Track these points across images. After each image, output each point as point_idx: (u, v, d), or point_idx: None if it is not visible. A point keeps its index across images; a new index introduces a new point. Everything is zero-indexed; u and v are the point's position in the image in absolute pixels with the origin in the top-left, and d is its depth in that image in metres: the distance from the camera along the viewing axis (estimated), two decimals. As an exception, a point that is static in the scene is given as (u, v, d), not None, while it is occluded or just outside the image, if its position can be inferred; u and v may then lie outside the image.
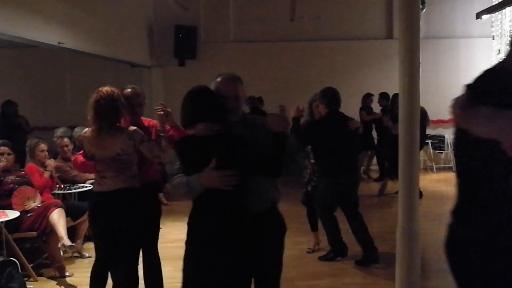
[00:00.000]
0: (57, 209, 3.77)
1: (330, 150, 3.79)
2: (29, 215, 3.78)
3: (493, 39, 8.68)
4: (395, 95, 6.37)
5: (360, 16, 8.86)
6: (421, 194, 5.42)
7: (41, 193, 4.03)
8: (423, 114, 5.84)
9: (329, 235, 4.01)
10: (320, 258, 4.04)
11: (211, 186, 1.95)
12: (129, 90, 2.85)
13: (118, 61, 7.44)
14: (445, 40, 8.79)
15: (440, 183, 7.68)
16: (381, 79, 8.30)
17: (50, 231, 3.74)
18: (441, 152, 8.89)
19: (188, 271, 2.05)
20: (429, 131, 7.81)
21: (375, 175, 8.06)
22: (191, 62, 8.55)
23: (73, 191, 4.55)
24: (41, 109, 8.35)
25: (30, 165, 4.21)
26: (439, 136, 8.90)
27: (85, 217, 3.78)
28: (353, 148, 4.11)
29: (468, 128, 1.34)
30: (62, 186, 4.52)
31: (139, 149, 2.65)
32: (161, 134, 2.74)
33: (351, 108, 6.95)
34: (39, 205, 3.88)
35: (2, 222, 3.51)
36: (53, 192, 4.32)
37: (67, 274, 3.76)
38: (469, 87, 1.44)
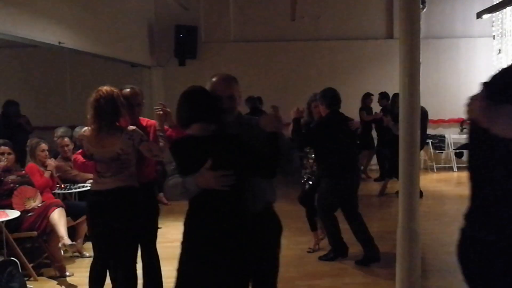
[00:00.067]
0: (57, 209, 3.78)
1: (331, 150, 3.79)
2: (29, 214, 3.79)
3: (494, 38, 8.67)
4: (395, 95, 6.36)
5: (361, 16, 8.86)
6: (421, 194, 5.41)
7: (41, 193, 4.03)
8: (424, 114, 5.83)
9: (329, 235, 4.01)
10: (321, 258, 4.04)
11: (207, 186, 1.95)
12: (128, 90, 2.86)
13: (119, 61, 7.45)
14: (446, 40, 8.78)
15: (441, 183, 7.68)
16: (381, 79, 8.29)
17: (50, 231, 3.74)
18: (442, 152, 8.88)
19: (184, 272, 2.04)
20: (430, 130, 7.81)
21: (374, 175, 8.06)
22: (192, 62, 8.56)
23: (74, 190, 4.55)
24: (41, 109, 8.36)
25: (30, 164, 4.21)
26: (440, 136, 8.90)
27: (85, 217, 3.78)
28: (353, 148, 4.13)
29: (489, 127, 1.30)
30: (62, 186, 4.53)
31: (138, 148, 2.66)
32: (160, 134, 2.75)
33: (351, 108, 6.95)
34: (39, 205, 3.88)
35: (2, 221, 3.51)
36: (53, 191, 4.32)
37: (67, 273, 3.76)
38: (487, 85, 1.40)
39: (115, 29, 6.69)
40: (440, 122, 8.86)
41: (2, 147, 4.00)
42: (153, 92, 8.31)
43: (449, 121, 8.95)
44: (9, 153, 3.98)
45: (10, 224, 3.61)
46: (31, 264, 3.72)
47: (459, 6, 8.81)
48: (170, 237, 4.26)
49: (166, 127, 2.81)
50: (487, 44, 8.75)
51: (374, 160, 8.27)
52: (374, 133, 7.92)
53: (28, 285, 3.45)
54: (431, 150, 8.66)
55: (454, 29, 8.86)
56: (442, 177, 8.06)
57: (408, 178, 2.48)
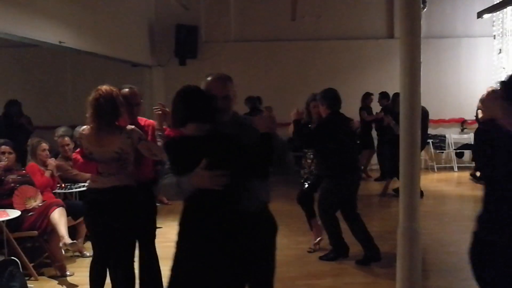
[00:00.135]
0: (58, 208, 3.78)
1: (333, 150, 3.79)
2: (30, 214, 3.79)
3: (494, 38, 8.66)
4: (396, 95, 6.36)
5: (361, 15, 8.85)
6: (422, 194, 5.42)
7: (42, 192, 4.04)
8: (424, 114, 5.82)
9: (330, 235, 4.01)
10: (321, 258, 4.04)
11: (201, 186, 1.94)
12: (127, 89, 2.88)
13: (119, 61, 7.44)
14: (446, 40, 8.77)
15: (441, 183, 7.67)
16: (381, 78, 8.29)
17: (51, 230, 3.75)
18: (442, 152, 8.87)
19: (178, 272, 2.03)
20: (430, 130, 7.80)
21: (375, 174, 8.05)
22: (192, 61, 8.56)
23: (74, 190, 4.55)
24: (42, 108, 8.36)
25: (31, 164, 4.21)
26: (440, 135, 8.89)
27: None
28: (354, 148, 4.13)
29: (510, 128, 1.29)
30: (63, 186, 4.53)
31: (136, 148, 2.66)
32: (159, 134, 2.76)
33: (351, 107, 6.95)
34: (40, 204, 3.88)
35: (3, 221, 3.51)
36: (54, 191, 4.32)
37: (68, 273, 3.76)
38: (506, 85, 1.39)
39: (116, 28, 6.69)
40: (440, 122, 8.86)
41: (3, 147, 4.00)
42: (153, 91, 8.31)
43: (449, 121, 8.94)
44: (9, 153, 3.98)
45: (11, 223, 3.61)
46: (32, 264, 3.72)
47: (459, 6, 8.80)
48: (170, 237, 4.23)
49: (165, 127, 2.82)
50: (487, 43, 8.74)
51: (375, 160, 8.27)
52: (374, 133, 7.93)
53: (28, 285, 3.45)
54: (432, 150, 8.66)
55: (455, 29, 8.85)
56: (442, 177, 8.05)
57: (409, 178, 2.48)
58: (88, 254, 4.13)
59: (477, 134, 8.99)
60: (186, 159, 2.01)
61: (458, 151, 8.63)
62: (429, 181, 7.68)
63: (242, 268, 2.05)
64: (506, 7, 7.58)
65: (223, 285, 2.00)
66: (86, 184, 4.55)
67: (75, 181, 4.67)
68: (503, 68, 8.48)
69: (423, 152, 7.80)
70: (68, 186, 4.56)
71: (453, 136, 8.87)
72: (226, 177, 1.92)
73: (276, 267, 2.30)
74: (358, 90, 8.02)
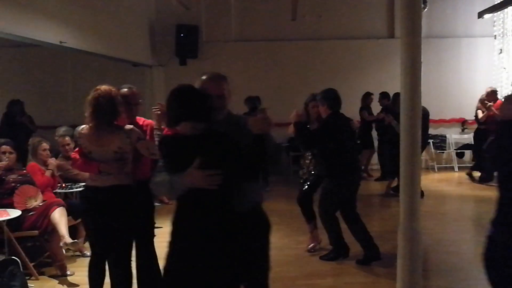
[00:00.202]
0: (58, 208, 3.78)
1: (334, 151, 3.78)
2: (30, 214, 3.79)
3: (495, 38, 8.65)
4: (396, 94, 6.35)
5: (362, 15, 8.85)
6: (422, 194, 5.42)
7: (42, 192, 4.04)
8: (425, 114, 5.82)
9: (330, 235, 4.00)
10: (322, 258, 4.04)
11: (194, 185, 1.93)
12: (126, 89, 2.90)
13: (120, 60, 7.45)
14: (447, 40, 8.77)
15: (442, 183, 7.67)
16: (382, 78, 8.28)
17: (51, 230, 3.75)
18: (443, 152, 8.87)
19: (171, 271, 2.03)
20: (431, 130, 7.79)
21: (375, 174, 8.05)
22: (193, 61, 8.56)
23: (75, 190, 4.55)
24: (42, 108, 8.36)
25: (31, 164, 4.21)
26: (441, 135, 8.88)
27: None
28: (354, 148, 4.13)
29: None
30: (63, 185, 4.53)
31: (135, 147, 2.67)
32: (158, 133, 2.77)
33: (352, 107, 6.95)
34: (40, 204, 3.88)
35: (4, 220, 3.52)
36: (54, 191, 4.33)
37: (68, 272, 3.76)
38: None
39: (116, 28, 6.70)
40: (441, 122, 8.85)
41: (4, 147, 4.01)
42: (154, 91, 8.31)
43: (450, 121, 8.94)
44: (10, 152, 3.99)
45: (12, 223, 3.61)
46: (32, 263, 3.72)
47: (460, 6, 8.79)
48: (171, 237, 4.26)
49: (163, 126, 2.83)
50: (488, 44, 8.73)
51: (375, 159, 8.26)
52: (374, 133, 7.92)
53: (29, 284, 3.46)
54: (432, 150, 8.65)
55: (456, 29, 8.84)
56: (443, 177, 8.05)
57: (410, 177, 2.48)
58: (88, 253, 4.11)
59: (476, 134, 8.98)
60: (180, 158, 2.00)
61: (459, 151, 8.62)
62: (430, 181, 7.68)
63: (236, 268, 2.04)
64: (506, 7, 7.57)
65: (217, 285, 1.99)
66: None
67: (75, 180, 4.67)
68: (504, 68, 8.47)
69: (423, 152, 7.79)
70: (69, 186, 4.56)
71: (454, 136, 8.86)
72: (219, 177, 1.92)
73: (270, 265, 2.28)
74: (359, 90, 8.02)
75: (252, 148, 2.00)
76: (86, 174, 4.53)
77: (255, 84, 8.42)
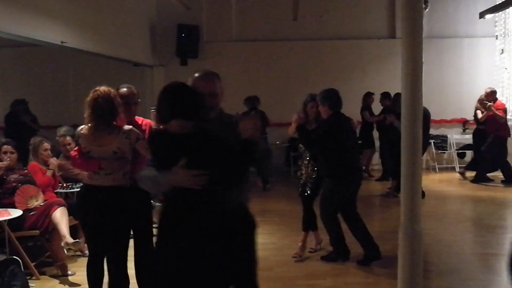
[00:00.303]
0: (59, 208, 3.79)
1: (334, 150, 3.78)
2: (31, 213, 3.80)
3: (497, 38, 8.64)
4: (397, 95, 6.35)
5: (363, 15, 8.85)
6: (423, 194, 5.41)
7: (43, 192, 4.05)
8: (426, 114, 5.81)
9: (332, 238, 3.99)
10: (323, 258, 4.04)
11: (178, 185, 1.92)
12: (125, 89, 2.91)
13: (121, 60, 7.46)
14: (448, 40, 8.76)
15: (443, 183, 7.66)
16: (383, 78, 8.28)
17: (52, 230, 3.75)
18: (444, 152, 8.86)
19: (159, 272, 2.02)
20: (432, 131, 7.80)
21: (376, 174, 8.05)
22: (193, 61, 8.56)
23: (76, 189, 4.55)
24: (44, 108, 8.38)
25: (32, 163, 4.22)
26: (442, 136, 8.88)
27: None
28: (355, 148, 4.13)
29: None
30: (64, 185, 4.54)
31: (134, 147, 2.68)
32: None
33: (353, 108, 6.95)
34: (41, 204, 3.89)
35: (5, 220, 3.52)
36: (55, 190, 4.33)
37: (69, 272, 3.77)
38: None
39: (117, 28, 6.70)
40: (442, 122, 8.84)
41: (5, 146, 4.02)
42: (154, 91, 8.29)
43: (451, 121, 8.93)
44: (11, 152, 4.00)
45: (13, 223, 3.62)
46: (33, 263, 3.73)
47: (461, 6, 8.78)
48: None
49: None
50: (489, 44, 8.72)
51: (376, 159, 8.26)
52: (375, 133, 7.92)
53: (30, 284, 3.46)
54: (433, 150, 8.64)
55: (457, 29, 8.83)
56: (444, 178, 8.04)
57: (411, 178, 2.48)
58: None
59: (475, 134, 8.97)
60: (167, 155, 2.00)
61: (460, 151, 8.61)
62: (431, 181, 7.67)
63: (223, 266, 2.03)
64: (508, 8, 7.56)
65: (204, 284, 1.98)
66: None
67: (76, 180, 4.68)
68: (505, 68, 8.46)
69: (424, 152, 7.79)
70: (70, 186, 4.56)
71: (455, 136, 8.85)
72: (204, 177, 1.90)
73: (258, 264, 2.26)
74: (359, 90, 8.02)
75: (239, 152, 1.98)
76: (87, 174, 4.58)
77: (255, 84, 8.42)
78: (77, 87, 8.51)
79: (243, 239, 2.18)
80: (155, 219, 3.09)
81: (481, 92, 7.58)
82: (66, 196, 4.56)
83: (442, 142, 8.84)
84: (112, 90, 2.72)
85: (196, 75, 2.15)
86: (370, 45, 8.78)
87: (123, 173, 2.71)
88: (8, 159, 3.96)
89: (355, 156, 4.16)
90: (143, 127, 2.93)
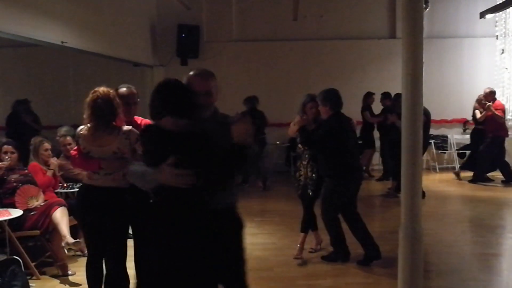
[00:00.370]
0: (60, 208, 3.79)
1: (335, 150, 3.77)
2: (32, 213, 3.80)
3: (497, 38, 8.64)
4: (397, 95, 6.35)
5: (363, 15, 8.84)
6: (424, 194, 5.41)
7: (44, 192, 4.05)
8: (427, 115, 5.82)
9: (332, 238, 3.99)
10: (323, 258, 4.04)
11: (166, 182, 1.91)
12: (125, 89, 2.92)
13: (121, 60, 7.46)
14: (449, 40, 8.76)
15: (443, 183, 7.66)
16: (384, 78, 8.28)
17: (53, 230, 3.76)
18: (444, 152, 8.86)
19: (146, 272, 2.02)
20: (432, 131, 7.79)
21: (377, 174, 8.05)
22: (194, 61, 8.56)
23: (76, 190, 4.55)
24: (44, 108, 8.37)
25: (33, 163, 4.22)
26: (442, 136, 8.87)
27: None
28: (355, 148, 4.13)
29: None
30: (65, 185, 4.54)
31: (134, 148, 2.69)
32: None
33: (353, 108, 6.95)
34: (42, 204, 3.89)
35: (5, 220, 3.52)
36: (56, 190, 4.33)
37: (69, 272, 3.77)
38: None
39: (118, 28, 6.70)
40: (442, 122, 8.84)
41: (5, 146, 4.02)
42: (155, 91, 8.31)
43: (451, 121, 8.93)
44: (12, 152, 4.00)
45: (13, 223, 3.62)
46: (34, 263, 3.73)
47: (462, 6, 8.78)
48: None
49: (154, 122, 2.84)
50: (490, 44, 8.71)
51: (376, 159, 8.26)
52: (375, 133, 7.92)
53: (30, 284, 3.46)
54: (434, 150, 8.64)
55: (457, 29, 8.83)
56: (444, 178, 8.03)
57: (411, 178, 2.48)
58: (89, 253, 4.14)
59: (474, 134, 8.97)
60: (157, 151, 1.99)
61: (460, 151, 8.61)
62: (431, 181, 7.67)
63: (208, 266, 2.01)
64: (508, 7, 7.55)
65: (191, 283, 1.97)
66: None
67: (77, 180, 4.68)
68: (506, 68, 8.46)
69: (425, 153, 7.79)
70: (70, 186, 4.56)
71: (455, 136, 8.85)
72: (191, 177, 1.89)
73: (246, 263, 2.24)
74: (360, 90, 8.02)
75: (228, 156, 1.97)
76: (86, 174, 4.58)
77: (256, 84, 8.42)
78: (77, 87, 8.51)
79: (230, 238, 2.16)
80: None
81: (481, 92, 7.58)
82: (66, 196, 4.56)
83: (442, 142, 8.83)
84: (111, 91, 2.73)
85: (191, 73, 2.14)
86: (371, 45, 8.77)
87: (123, 173, 2.71)
88: (9, 159, 3.96)
89: (356, 156, 4.16)
90: (143, 127, 2.94)
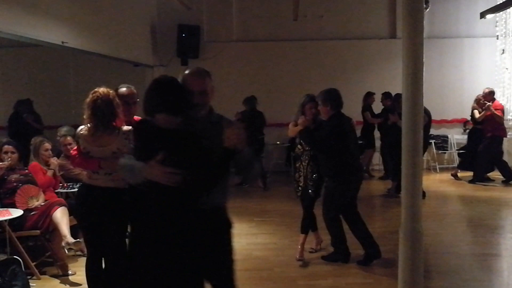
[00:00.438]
0: (60, 208, 3.79)
1: (335, 150, 3.77)
2: (32, 213, 3.80)
3: (497, 38, 8.64)
4: (398, 95, 6.35)
5: (363, 15, 8.84)
6: (424, 194, 5.41)
7: (44, 192, 4.05)
8: (427, 114, 5.82)
9: (333, 238, 3.99)
10: (324, 258, 4.04)
11: (152, 179, 1.91)
12: (125, 89, 2.93)
13: (121, 61, 7.46)
14: (449, 40, 8.75)
15: (443, 183, 7.65)
16: (384, 78, 8.28)
17: (53, 230, 3.76)
18: (444, 152, 8.85)
19: (135, 267, 2.01)
20: (433, 131, 7.79)
21: (377, 174, 8.04)
22: (194, 61, 8.56)
23: (76, 189, 4.56)
24: (44, 108, 8.37)
25: (33, 163, 4.22)
26: (443, 136, 8.87)
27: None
28: (356, 148, 4.13)
29: None
30: (65, 185, 4.54)
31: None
32: None
33: (354, 108, 6.95)
34: (42, 204, 3.89)
35: (5, 220, 3.52)
36: (56, 190, 4.33)
37: (70, 272, 3.77)
38: None
39: (118, 28, 6.71)
40: (443, 122, 8.84)
41: (6, 146, 4.02)
42: (155, 91, 8.31)
43: (452, 121, 8.92)
44: (12, 152, 4.00)
45: (13, 222, 3.62)
46: (34, 263, 3.73)
47: (462, 6, 8.77)
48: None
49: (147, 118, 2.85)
50: (490, 44, 8.71)
51: (377, 159, 8.26)
52: (376, 133, 7.92)
53: (31, 284, 3.46)
54: (434, 150, 8.64)
55: (458, 29, 8.83)
56: (444, 178, 8.03)
57: (411, 178, 2.48)
58: (90, 253, 4.14)
59: (472, 134, 8.98)
60: (147, 147, 1.99)
61: (461, 151, 8.61)
62: (431, 181, 7.67)
63: (193, 264, 2.00)
64: (509, 8, 7.55)
65: (178, 282, 1.96)
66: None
67: (77, 180, 4.68)
68: (506, 68, 8.46)
69: (425, 153, 7.79)
70: (70, 186, 4.57)
71: (456, 136, 8.85)
72: (179, 176, 1.87)
73: (234, 263, 2.22)
74: (360, 90, 8.02)
75: (217, 158, 1.96)
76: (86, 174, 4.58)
77: (256, 84, 8.43)
78: (78, 87, 8.51)
79: (217, 238, 2.13)
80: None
81: (481, 92, 7.58)
82: (66, 196, 4.56)
83: (442, 142, 8.83)
84: (111, 91, 2.74)
85: (187, 72, 2.13)
86: (371, 45, 8.77)
87: None
88: (9, 159, 3.96)
89: (356, 156, 4.16)
90: (137, 121, 2.94)
